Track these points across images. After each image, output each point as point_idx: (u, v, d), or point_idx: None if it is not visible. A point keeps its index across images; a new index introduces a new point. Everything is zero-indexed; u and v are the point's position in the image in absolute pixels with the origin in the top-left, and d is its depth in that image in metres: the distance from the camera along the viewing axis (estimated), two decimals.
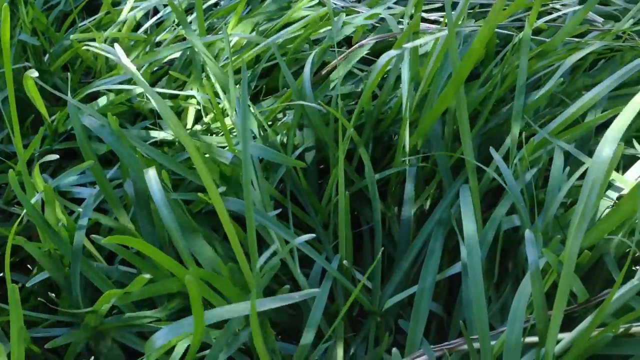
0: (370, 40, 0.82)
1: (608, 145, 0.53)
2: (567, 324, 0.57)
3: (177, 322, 0.55)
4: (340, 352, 0.71)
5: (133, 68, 0.70)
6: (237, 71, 0.98)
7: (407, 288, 0.70)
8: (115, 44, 0.81)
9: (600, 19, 0.95)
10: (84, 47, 0.87)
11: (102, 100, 0.87)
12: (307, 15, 0.96)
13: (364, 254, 0.81)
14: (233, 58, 0.97)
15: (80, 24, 1.08)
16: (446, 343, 0.62)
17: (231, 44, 0.99)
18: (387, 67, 0.80)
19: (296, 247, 0.69)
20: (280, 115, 0.88)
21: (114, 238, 0.56)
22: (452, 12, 0.80)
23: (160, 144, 0.89)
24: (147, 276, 0.58)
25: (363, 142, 0.82)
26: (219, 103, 0.82)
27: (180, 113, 0.96)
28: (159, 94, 0.91)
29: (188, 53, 0.96)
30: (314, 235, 0.63)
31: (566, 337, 0.57)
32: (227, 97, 0.80)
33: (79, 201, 0.74)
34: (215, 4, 1.15)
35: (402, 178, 0.79)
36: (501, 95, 0.81)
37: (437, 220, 0.72)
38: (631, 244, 0.59)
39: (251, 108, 0.80)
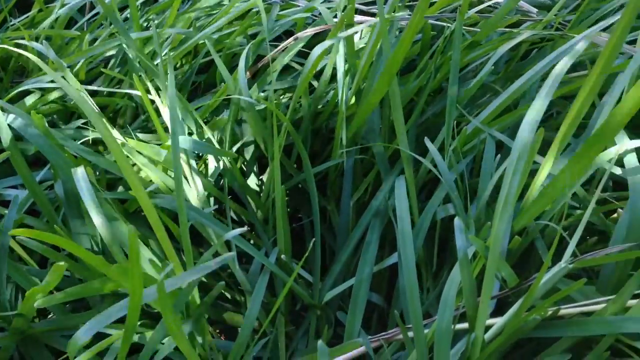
0: (305, 33, 0.82)
1: (527, 128, 0.54)
2: (502, 310, 0.58)
3: (98, 316, 0.52)
4: (282, 346, 0.71)
5: (62, 65, 0.68)
6: (176, 67, 0.97)
7: (347, 280, 0.70)
8: (44, 41, 0.79)
9: (535, 10, 0.97)
10: (12, 46, 0.84)
11: (30, 99, 0.85)
12: (246, 10, 0.95)
13: (307, 248, 0.81)
14: (171, 54, 0.95)
15: (11, 22, 1.04)
16: (383, 333, 0.63)
17: (169, 40, 0.97)
18: (322, 60, 0.79)
19: (235, 243, 0.69)
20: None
21: (23, 231, 0.53)
22: (386, 3, 0.80)
23: (94, 143, 0.86)
24: (63, 264, 0.55)
25: (301, 136, 0.82)
26: (153, 101, 0.80)
27: (119, 111, 0.94)
28: (92, 92, 0.89)
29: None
30: (245, 228, 0.62)
31: (498, 321, 0.58)
32: (161, 94, 0.79)
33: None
34: (155, 0, 1.13)
35: (341, 171, 0.79)
36: (437, 86, 0.82)
37: (375, 211, 0.72)
38: (558, 227, 0.60)
39: (180, 104, 0.78)
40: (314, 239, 0.70)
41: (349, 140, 0.77)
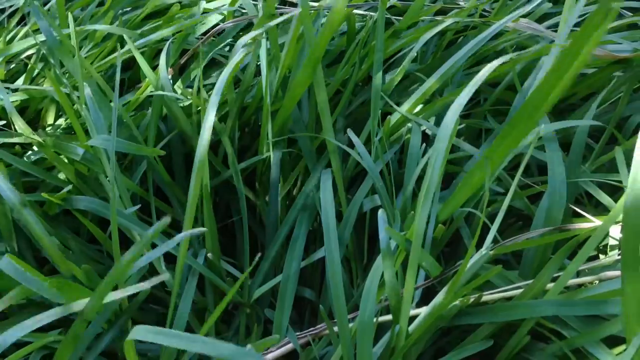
0: (227, 25, 0.80)
1: (451, 116, 0.54)
2: (430, 300, 0.58)
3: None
4: None
5: None
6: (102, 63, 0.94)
7: (278, 276, 0.69)
8: None
9: None
10: None
11: None
12: (171, 4, 0.92)
13: (238, 245, 0.79)
14: (94, 51, 0.92)
15: None
16: (311, 329, 0.62)
17: (95, 35, 0.94)
18: (248, 53, 0.78)
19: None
20: None
21: None
22: None
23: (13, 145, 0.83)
24: None
25: (228, 131, 0.80)
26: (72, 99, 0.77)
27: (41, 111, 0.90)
28: (9, 90, 0.85)
29: None
30: (163, 224, 0.60)
31: (423, 311, 0.58)
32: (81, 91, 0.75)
33: None
34: None
35: (269, 165, 0.77)
36: (364, 76, 0.81)
37: (302, 205, 0.71)
38: (480, 214, 0.60)
39: (100, 101, 0.75)
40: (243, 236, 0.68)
41: (276, 133, 0.76)
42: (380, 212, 0.56)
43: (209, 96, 0.74)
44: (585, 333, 0.52)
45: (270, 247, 0.72)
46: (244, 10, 0.96)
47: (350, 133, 0.71)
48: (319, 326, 0.62)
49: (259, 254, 0.61)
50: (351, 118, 0.82)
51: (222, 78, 0.63)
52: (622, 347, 0.53)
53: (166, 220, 0.61)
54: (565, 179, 0.61)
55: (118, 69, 0.67)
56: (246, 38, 0.70)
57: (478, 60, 0.86)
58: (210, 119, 0.59)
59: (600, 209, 0.71)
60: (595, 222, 0.61)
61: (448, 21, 0.79)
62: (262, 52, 0.75)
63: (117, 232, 0.59)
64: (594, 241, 0.50)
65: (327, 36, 0.63)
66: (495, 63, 0.60)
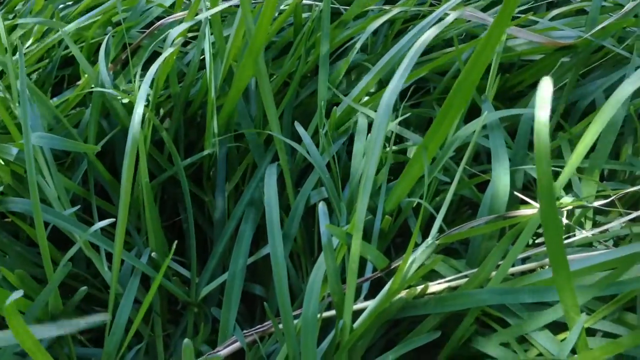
0: (170, 19, 0.78)
1: (385, 102, 0.52)
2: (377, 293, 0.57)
3: None
4: (160, 348, 0.68)
5: None
6: (40, 60, 0.90)
7: (225, 273, 0.67)
8: None
9: None
10: None
11: None
12: None
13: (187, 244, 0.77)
14: (34, 46, 0.88)
15: None
16: (258, 326, 0.60)
17: (34, 31, 0.91)
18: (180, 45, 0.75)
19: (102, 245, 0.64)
20: None
21: None
22: None
23: None
24: None
25: (174, 127, 0.78)
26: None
27: None
28: None
29: None
30: (102, 224, 0.58)
31: (369, 305, 0.57)
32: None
33: None
34: None
35: (216, 161, 0.75)
36: (311, 67, 0.80)
37: (249, 200, 0.70)
38: (427, 205, 0.59)
39: (35, 99, 0.72)
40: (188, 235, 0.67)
41: (222, 128, 0.74)
42: (321, 205, 0.55)
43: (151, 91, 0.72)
44: (529, 320, 0.52)
45: (217, 243, 0.70)
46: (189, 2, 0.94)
47: (297, 125, 0.70)
48: (265, 324, 0.60)
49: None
50: (300, 110, 0.80)
51: (152, 70, 0.61)
52: (567, 333, 0.53)
53: (97, 226, 0.60)
54: (509, 166, 0.61)
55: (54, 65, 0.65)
56: (178, 30, 0.68)
57: (427, 50, 0.85)
58: (138, 112, 0.57)
59: None
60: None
61: (395, 10, 0.78)
62: (206, 45, 0.73)
63: (44, 234, 0.56)
64: (532, 228, 0.50)
65: (264, 26, 0.62)
66: (425, 37, 0.59)
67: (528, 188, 0.74)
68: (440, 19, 0.71)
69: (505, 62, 0.86)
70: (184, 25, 0.69)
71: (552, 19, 0.87)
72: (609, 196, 0.69)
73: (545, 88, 0.40)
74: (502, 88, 0.84)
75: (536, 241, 0.69)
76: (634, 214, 0.54)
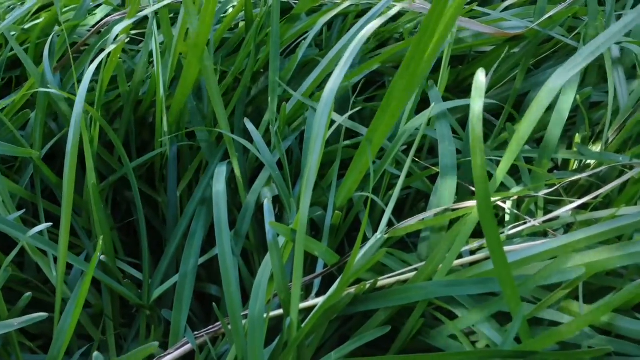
0: (116, 16, 0.76)
1: (328, 93, 0.52)
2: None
3: None
4: (112, 352, 0.66)
5: None
6: None
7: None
8: None
9: None
10: None
11: None
12: None
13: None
14: None
15: None
16: (209, 327, 0.60)
17: None
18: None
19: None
20: None
21: None
22: None
23: None
24: None
25: (124, 127, 0.77)
26: None
27: None
28: None
29: None
30: (40, 228, 0.57)
31: (319, 301, 0.56)
32: None
33: None
34: None
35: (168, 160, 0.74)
36: (263, 62, 0.79)
37: (200, 199, 0.69)
38: (371, 195, 0.59)
39: None
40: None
41: (173, 126, 0.73)
42: (266, 202, 0.55)
43: (93, 91, 0.71)
44: (476, 311, 0.52)
45: (169, 244, 0.69)
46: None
47: (247, 122, 0.69)
48: (217, 324, 0.60)
49: None
50: (253, 106, 0.79)
51: (91, 69, 0.59)
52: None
53: (39, 228, 0.58)
54: (460, 157, 0.61)
55: None
56: (120, 27, 0.67)
57: (380, 44, 0.85)
58: (77, 112, 0.56)
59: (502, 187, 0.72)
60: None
61: (346, 3, 0.78)
62: (153, 43, 0.72)
63: None
64: (475, 220, 0.50)
65: (207, 23, 0.61)
66: (365, 34, 0.58)
67: None
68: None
69: (459, 54, 0.87)
70: (126, 23, 0.68)
71: (506, 9, 0.88)
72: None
73: (480, 79, 0.40)
74: (456, 80, 0.84)
75: None
76: (577, 202, 0.54)
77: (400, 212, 0.78)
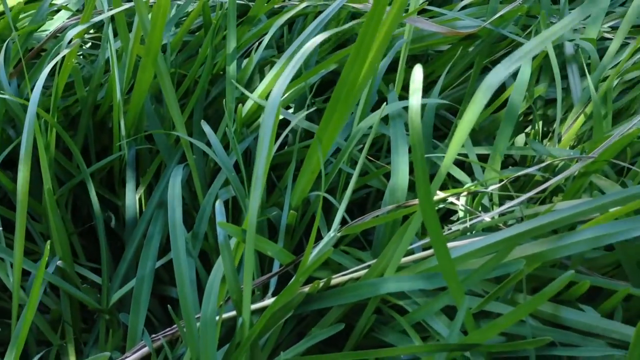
0: (72, 22, 0.76)
1: (276, 91, 0.52)
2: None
3: None
4: (72, 356, 0.66)
5: None
6: None
7: None
8: None
9: None
10: None
11: None
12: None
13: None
14: None
15: None
16: (165, 330, 0.60)
17: None
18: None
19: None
20: None
21: None
22: None
23: None
24: None
25: (83, 131, 0.76)
26: None
27: None
28: None
29: None
30: None
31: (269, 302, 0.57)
32: None
33: None
34: None
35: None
36: (222, 65, 0.79)
37: (158, 202, 0.69)
38: (323, 194, 0.59)
39: None
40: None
41: (132, 130, 0.73)
42: (217, 204, 0.55)
43: (50, 96, 0.70)
44: (426, 306, 0.52)
45: (128, 247, 0.69)
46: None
47: (204, 125, 0.69)
48: (174, 327, 0.60)
49: None
50: (213, 108, 0.80)
51: (44, 74, 0.59)
52: None
53: None
54: (407, 155, 0.61)
55: None
56: (74, 31, 0.67)
57: (338, 45, 0.86)
58: (29, 117, 0.56)
59: (457, 184, 0.73)
60: (440, 195, 0.62)
61: (302, 4, 0.78)
62: (110, 47, 0.72)
63: None
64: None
65: (159, 26, 0.61)
66: (318, 39, 0.59)
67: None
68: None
69: (418, 54, 0.88)
70: (80, 28, 0.68)
71: (463, 8, 0.89)
72: (514, 180, 0.71)
73: (417, 76, 0.40)
74: None
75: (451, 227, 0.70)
76: (523, 197, 0.55)
77: (363, 211, 0.79)
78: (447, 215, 0.75)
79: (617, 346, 0.49)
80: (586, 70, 0.77)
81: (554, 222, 0.44)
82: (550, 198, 0.70)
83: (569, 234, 0.46)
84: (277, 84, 0.51)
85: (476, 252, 0.48)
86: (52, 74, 0.78)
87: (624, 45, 0.81)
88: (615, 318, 0.52)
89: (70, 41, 0.72)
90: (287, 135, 0.76)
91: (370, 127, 0.65)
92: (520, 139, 0.81)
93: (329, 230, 0.64)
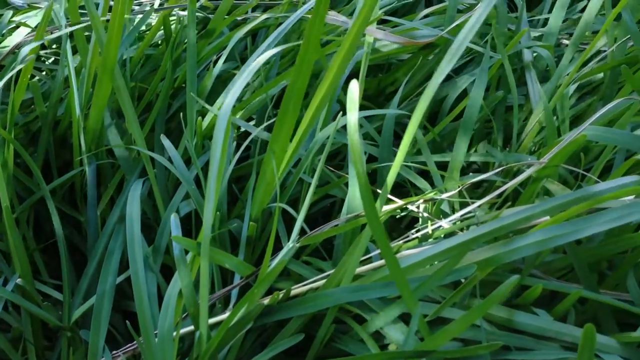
0: (28, 38, 0.76)
1: (228, 102, 0.52)
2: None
3: None
4: None
5: None
6: None
7: None
8: None
9: None
10: None
11: None
12: None
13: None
14: None
15: None
16: (126, 346, 0.59)
17: None
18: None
19: None
20: None
21: None
22: None
23: None
24: None
25: (44, 147, 0.76)
26: None
27: None
28: None
29: None
30: None
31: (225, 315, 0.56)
32: None
33: None
34: None
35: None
36: (183, 79, 0.79)
37: (118, 217, 0.69)
38: (279, 204, 0.60)
39: None
40: None
41: (92, 145, 0.73)
42: (172, 217, 0.55)
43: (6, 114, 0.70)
44: (382, 314, 0.53)
45: (89, 263, 0.68)
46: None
47: (163, 139, 0.69)
48: (134, 343, 0.59)
49: None
50: (174, 122, 0.80)
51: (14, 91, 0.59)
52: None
53: None
54: (364, 164, 0.62)
55: None
56: (29, 47, 0.67)
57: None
58: None
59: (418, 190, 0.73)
60: (399, 202, 0.62)
61: (263, 16, 0.79)
62: (69, 62, 0.72)
63: None
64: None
65: (115, 41, 0.61)
66: (271, 52, 0.60)
67: (401, 185, 0.75)
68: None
69: (382, 63, 0.88)
70: (35, 43, 0.67)
71: (425, 17, 0.90)
72: (477, 187, 0.72)
73: (353, 92, 0.41)
74: (377, 88, 0.86)
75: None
76: (478, 203, 0.56)
77: (329, 221, 0.79)
78: (413, 222, 0.76)
79: (570, 349, 0.49)
80: (535, 77, 0.79)
81: (501, 227, 0.45)
82: (513, 204, 0.70)
83: (518, 238, 0.47)
84: (229, 95, 0.51)
85: (429, 259, 0.49)
86: (9, 89, 0.77)
87: (581, 51, 0.82)
88: (568, 321, 0.53)
89: (24, 57, 0.72)
90: (250, 147, 0.76)
91: (334, 138, 0.65)
92: (484, 146, 0.82)
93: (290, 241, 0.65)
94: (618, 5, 0.67)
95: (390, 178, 0.47)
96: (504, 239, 0.48)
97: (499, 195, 0.60)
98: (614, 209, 0.43)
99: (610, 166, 0.69)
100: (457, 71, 0.89)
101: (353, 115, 0.41)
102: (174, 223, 0.55)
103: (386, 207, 0.60)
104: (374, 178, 0.75)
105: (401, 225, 0.76)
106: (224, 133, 0.50)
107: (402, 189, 0.76)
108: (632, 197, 0.49)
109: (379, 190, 0.66)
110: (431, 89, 0.46)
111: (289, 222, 0.68)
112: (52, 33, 0.81)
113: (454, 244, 0.47)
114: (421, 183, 0.71)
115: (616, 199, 0.48)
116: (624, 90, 0.70)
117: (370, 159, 0.78)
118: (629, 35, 0.72)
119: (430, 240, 0.62)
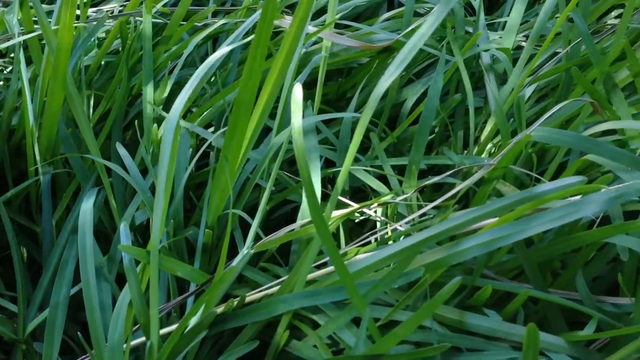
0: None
1: (176, 106, 0.52)
2: None
3: None
4: None
5: None
6: None
7: None
8: None
9: None
10: None
11: None
12: None
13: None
14: None
15: None
16: (81, 357, 0.59)
17: None
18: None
19: None
20: None
21: None
22: None
23: None
24: None
25: None
26: None
27: None
28: None
29: None
30: None
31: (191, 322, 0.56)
32: None
33: None
34: None
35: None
36: (140, 86, 0.79)
37: (72, 227, 0.68)
38: (232, 210, 0.59)
39: None
40: None
41: (47, 154, 0.72)
42: (122, 226, 0.54)
43: None
44: (335, 319, 0.53)
45: (43, 274, 0.67)
46: None
47: (119, 147, 0.68)
48: (86, 355, 0.58)
49: None
50: (132, 130, 0.79)
51: None
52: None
53: None
54: (319, 169, 0.62)
55: None
56: None
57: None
58: None
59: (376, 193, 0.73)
60: (354, 206, 0.62)
61: (219, 22, 0.78)
62: (23, 71, 0.71)
63: None
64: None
65: (65, 49, 0.60)
66: (217, 54, 0.59)
67: (362, 190, 0.76)
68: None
69: (342, 67, 0.89)
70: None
71: (384, 21, 0.90)
72: (437, 190, 0.72)
73: (297, 96, 0.41)
74: (337, 92, 0.86)
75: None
76: (430, 205, 0.56)
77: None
78: (375, 226, 0.76)
79: (519, 349, 0.50)
80: (493, 80, 0.79)
81: (448, 229, 0.45)
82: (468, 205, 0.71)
83: (465, 239, 0.47)
84: (175, 104, 0.50)
85: (379, 263, 0.49)
86: None
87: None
88: (518, 321, 0.53)
89: None
90: (208, 154, 0.76)
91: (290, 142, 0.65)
92: (444, 149, 0.82)
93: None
94: (567, 7, 0.68)
95: (340, 181, 0.47)
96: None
97: (454, 197, 0.60)
98: (556, 209, 0.43)
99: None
100: (418, 75, 0.90)
101: (297, 119, 0.41)
102: (123, 232, 0.54)
103: (337, 212, 0.60)
104: (334, 183, 0.75)
105: (363, 229, 0.76)
106: (172, 135, 0.49)
107: (363, 193, 0.76)
108: (578, 196, 0.50)
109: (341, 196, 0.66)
110: (378, 91, 0.46)
111: (249, 228, 0.68)
112: (7, 41, 0.80)
113: (403, 246, 0.47)
114: (380, 187, 0.71)
115: (562, 199, 0.49)
116: (575, 91, 0.71)
117: (331, 163, 0.78)
118: (580, 38, 0.73)
119: (389, 243, 0.63)
